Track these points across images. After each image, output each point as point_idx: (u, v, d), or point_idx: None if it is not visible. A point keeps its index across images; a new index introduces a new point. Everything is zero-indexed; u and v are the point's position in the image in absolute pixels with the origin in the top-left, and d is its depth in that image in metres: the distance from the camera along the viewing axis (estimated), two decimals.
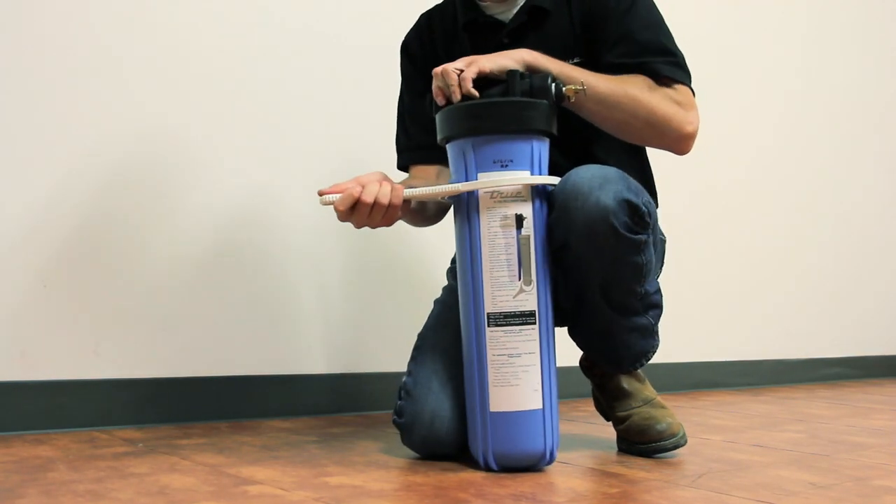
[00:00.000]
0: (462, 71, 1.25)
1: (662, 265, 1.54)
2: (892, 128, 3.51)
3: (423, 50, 1.56)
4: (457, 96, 1.24)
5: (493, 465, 1.23)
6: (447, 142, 1.27)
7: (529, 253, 1.22)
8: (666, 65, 1.37)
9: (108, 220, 1.71)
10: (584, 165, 1.27)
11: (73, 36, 1.68)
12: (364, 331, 2.04)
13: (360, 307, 2.04)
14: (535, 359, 1.22)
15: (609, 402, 1.47)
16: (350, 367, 2.00)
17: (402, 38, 1.61)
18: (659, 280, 1.46)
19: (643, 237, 1.25)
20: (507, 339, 1.21)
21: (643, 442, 1.39)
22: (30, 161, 1.63)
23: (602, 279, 1.28)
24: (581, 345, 1.45)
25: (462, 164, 1.23)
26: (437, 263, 2.00)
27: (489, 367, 1.22)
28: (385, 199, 1.23)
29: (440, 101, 1.27)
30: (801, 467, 1.34)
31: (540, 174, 1.24)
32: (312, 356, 1.95)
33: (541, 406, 1.22)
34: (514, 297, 1.21)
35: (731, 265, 2.85)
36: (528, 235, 1.22)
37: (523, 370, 1.21)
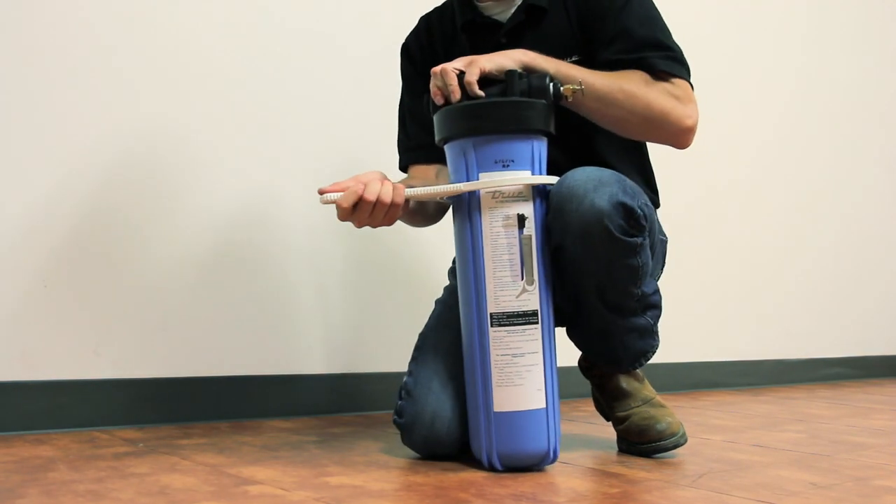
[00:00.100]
0: (461, 71, 1.26)
1: (664, 265, 1.54)
2: (892, 128, 3.51)
3: (422, 52, 1.57)
4: (456, 96, 1.24)
5: (498, 465, 1.23)
6: (446, 142, 1.27)
7: (531, 253, 1.22)
8: (662, 59, 1.36)
9: (109, 221, 1.71)
10: (580, 167, 1.27)
11: (73, 36, 1.68)
12: (364, 331, 2.04)
13: (360, 307, 2.04)
14: (538, 358, 1.22)
15: (608, 402, 1.47)
16: (350, 367, 2.00)
17: (402, 38, 1.62)
18: (660, 280, 1.47)
19: (639, 240, 1.24)
20: (510, 338, 1.21)
21: (643, 442, 1.39)
22: (30, 161, 1.63)
23: (597, 281, 1.28)
24: (579, 345, 1.45)
25: (463, 164, 1.23)
26: (436, 263, 2.00)
27: (493, 367, 1.22)
28: (387, 198, 1.23)
29: (438, 100, 1.27)
30: (801, 467, 1.34)
31: (540, 174, 1.24)
32: (313, 356, 1.95)
33: (544, 405, 1.22)
34: (516, 297, 1.21)
35: (732, 265, 2.85)
36: (530, 235, 1.22)
37: (527, 370, 1.21)
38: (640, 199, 1.25)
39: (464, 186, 1.22)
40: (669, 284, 1.54)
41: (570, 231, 1.22)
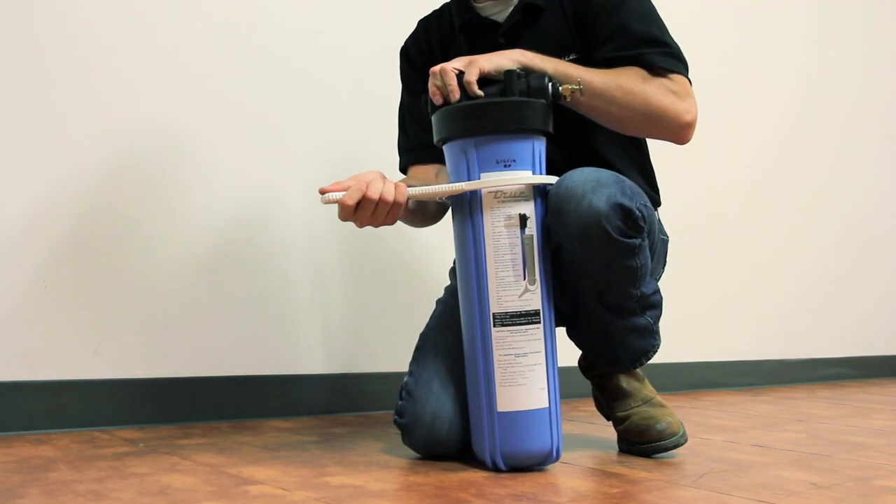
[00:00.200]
0: (460, 71, 1.26)
1: (665, 265, 1.54)
2: (892, 128, 3.51)
3: (421, 54, 1.57)
4: (455, 96, 1.24)
5: (502, 465, 1.23)
6: (445, 142, 1.27)
7: (533, 252, 1.22)
8: (660, 55, 1.36)
9: (109, 221, 1.71)
10: (579, 168, 1.27)
11: (73, 35, 1.68)
12: (364, 331, 2.04)
13: (360, 307, 2.04)
14: (541, 357, 1.22)
15: (608, 402, 1.47)
16: (350, 367, 2.00)
17: (402, 38, 1.62)
18: (661, 280, 1.47)
19: (637, 241, 1.24)
20: (513, 338, 1.21)
21: (643, 442, 1.39)
22: (30, 161, 1.63)
23: (596, 282, 1.28)
24: (579, 345, 1.45)
25: (464, 164, 1.23)
26: (437, 263, 2.00)
27: (496, 367, 1.22)
28: (390, 197, 1.23)
29: (437, 100, 1.27)
30: (801, 467, 1.34)
31: (540, 173, 1.24)
32: (313, 356, 1.95)
33: (547, 405, 1.23)
34: (519, 297, 1.21)
35: (732, 265, 2.85)
36: (532, 235, 1.22)
37: (529, 369, 1.21)
38: (638, 200, 1.25)
39: (466, 185, 1.22)
40: (669, 284, 1.54)
41: (569, 232, 1.22)
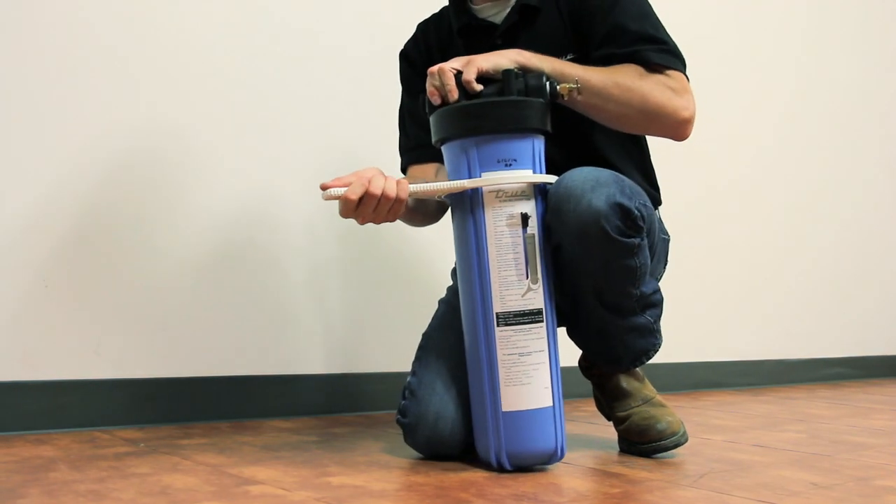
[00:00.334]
0: (458, 70, 1.26)
1: (666, 264, 1.54)
2: (892, 128, 3.51)
3: (421, 58, 1.58)
4: (454, 96, 1.24)
5: (507, 465, 1.23)
6: (444, 142, 1.27)
7: (535, 251, 1.22)
8: (656, 52, 1.36)
9: (109, 221, 1.71)
10: (579, 167, 1.27)
11: (74, 35, 1.68)
12: (364, 331, 2.04)
13: (360, 307, 2.03)
14: (545, 356, 1.22)
15: (609, 401, 1.47)
16: (351, 367, 2.00)
17: (402, 38, 1.63)
18: (662, 279, 1.46)
19: (636, 240, 1.24)
20: (517, 337, 1.21)
21: (643, 442, 1.39)
22: (30, 160, 1.63)
23: (595, 282, 1.29)
24: (579, 344, 1.45)
25: (464, 163, 1.23)
26: (437, 263, 2.00)
27: (500, 366, 1.22)
28: (392, 193, 1.23)
29: (435, 100, 1.27)
30: (802, 467, 1.34)
31: (540, 172, 1.24)
32: (313, 356, 1.95)
33: (551, 403, 1.23)
34: (522, 296, 1.21)
35: (732, 265, 2.85)
36: (534, 234, 1.22)
37: (533, 368, 1.21)
38: (638, 200, 1.25)
39: (468, 183, 1.22)
40: (670, 284, 1.53)
41: (568, 231, 1.22)
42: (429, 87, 1.27)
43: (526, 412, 1.22)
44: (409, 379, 1.40)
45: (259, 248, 1.89)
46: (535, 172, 1.23)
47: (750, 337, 2.88)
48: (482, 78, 1.25)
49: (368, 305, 2.04)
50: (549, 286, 1.25)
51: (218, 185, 1.84)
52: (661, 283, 1.42)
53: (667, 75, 1.35)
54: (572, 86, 1.26)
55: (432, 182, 1.27)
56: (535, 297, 1.22)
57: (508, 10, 1.47)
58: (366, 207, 1.22)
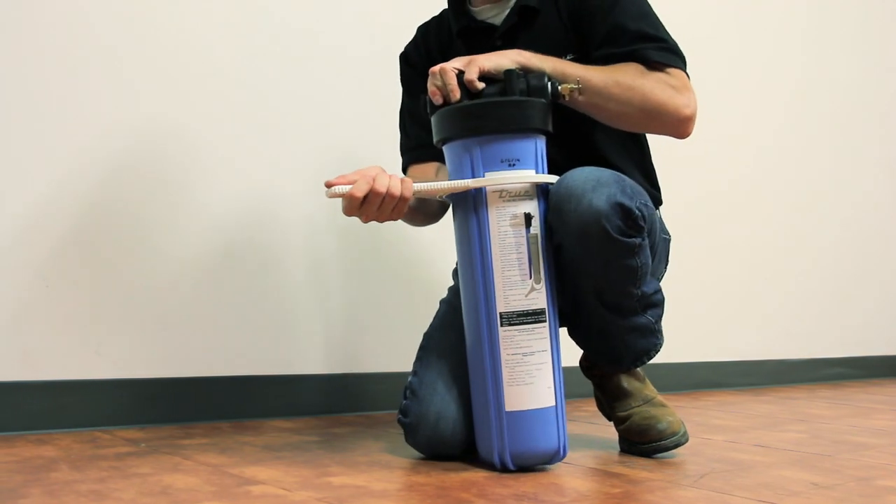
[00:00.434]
0: (460, 70, 1.26)
1: (667, 264, 1.54)
2: (892, 128, 3.51)
3: (422, 60, 1.57)
4: (456, 96, 1.24)
5: (510, 465, 1.22)
6: (446, 142, 1.27)
7: (538, 251, 1.22)
8: (656, 50, 1.36)
9: (109, 221, 1.71)
10: (580, 167, 1.27)
11: (74, 35, 1.68)
12: (365, 331, 2.04)
13: (361, 307, 2.03)
14: (547, 356, 1.22)
15: (609, 401, 1.47)
16: (351, 367, 2.00)
17: (402, 38, 1.63)
18: (662, 279, 1.46)
19: (637, 240, 1.24)
20: (520, 337, 1.21)
21: (644, 442, 1.39)
22: (30, 161, 1.63)
23: (596, 282, 1.29)
24: (581, 344, 1.45)
25: (467, 163, 1.23)
26: (438, 263, 2.00)
27: (503, 366, 1.22)
28: (396, 191, 1.22)
29: (437, 100, 1.27)
30: (803, 467, 1.34)
31: (542, 172, 1.24)
32: (314, 356, 1.95)
33: (554, 403, 1.23)
34: (525, 296, 1.21)
35: (733, 265, 2.85)
36: (537, 234, 1.22)
37: (537, 368, 1.21)
38: (638, 200, 1.24)
39: (472, 182, 1.22)
40: (670, 284, 1.53)
41: (569, 231, 1.22)
42: (430, 87, 1.27)
43: (529, 412, 1.22)
44: (410, 379, 1.40)
45: (260, 248, 1.89)
46: (537, 172, 1.23)
47: (751, 337, 2.88)
48: (483, 78, 1.26)
49: (369, 305, 2.04)
50: (552, 286, 1.24)
51: (218, 185, 1.84)
52: (661, 283, 1.42)
53: (667, 73, 1.35)
54: (574, 86, 1.26)
55: (436, 181, 1.27)
56: (539, 297, 1.22)
57: (508, 11, 1.47)
58: (370, 205, 1.22)
